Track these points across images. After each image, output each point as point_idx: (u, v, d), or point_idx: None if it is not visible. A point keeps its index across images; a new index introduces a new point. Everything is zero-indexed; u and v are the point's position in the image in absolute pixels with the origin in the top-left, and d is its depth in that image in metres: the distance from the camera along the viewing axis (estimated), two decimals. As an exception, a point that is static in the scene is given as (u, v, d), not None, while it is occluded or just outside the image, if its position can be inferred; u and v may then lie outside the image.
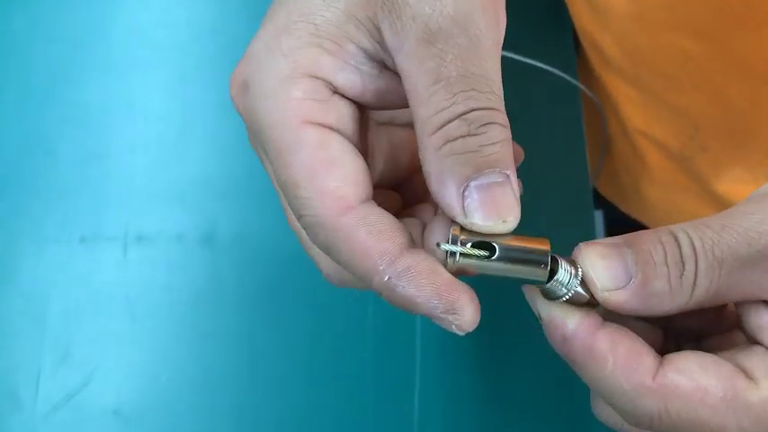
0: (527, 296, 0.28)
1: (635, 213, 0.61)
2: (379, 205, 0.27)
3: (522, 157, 0.32)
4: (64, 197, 0.46)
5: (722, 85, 0.45)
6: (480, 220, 0.25)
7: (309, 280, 0.45)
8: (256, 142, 0.28)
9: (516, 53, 0.49)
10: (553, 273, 0.26)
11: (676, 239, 0.26)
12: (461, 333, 0.26)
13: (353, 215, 0.26)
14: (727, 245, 0.25)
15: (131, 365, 0.43)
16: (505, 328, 0.44)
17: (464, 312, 0.25)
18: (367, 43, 0.27)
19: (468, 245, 0.25)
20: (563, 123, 0.53)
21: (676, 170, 0.53)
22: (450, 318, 0.25)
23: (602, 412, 0.29)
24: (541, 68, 0.50)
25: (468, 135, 0.25)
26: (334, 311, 0.44)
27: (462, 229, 0.26)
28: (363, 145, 0.29)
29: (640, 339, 0.26)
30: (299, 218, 0.26)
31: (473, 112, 0.25)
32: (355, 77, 0.27)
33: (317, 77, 0.26)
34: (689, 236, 0.26)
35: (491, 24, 0.26)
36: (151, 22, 0.50)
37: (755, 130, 0.46)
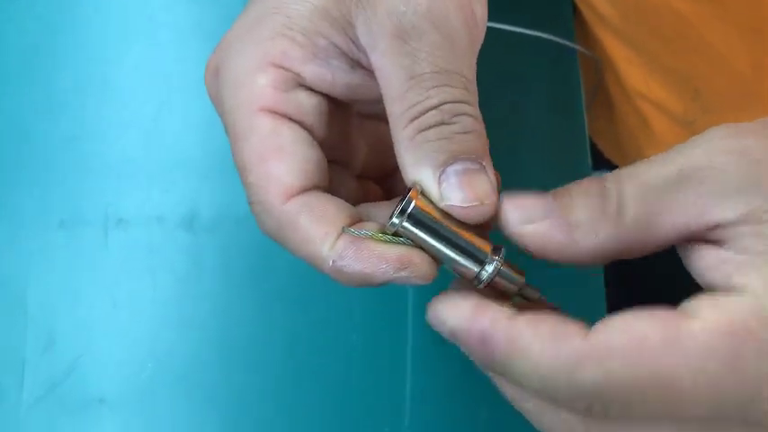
0: (429, 312, 0.27)
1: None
2: (353, 197, 0.28)
3: (499, 182, 0.30)
4: (41, 182, 0.45)
5: (721, 47, 0.43)
6: (458, 201, 0.25)
7: (294, 261, 0.44)
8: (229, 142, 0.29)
9: (514, 17, 0.47)
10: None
11: (602, 177, 0.25)
12: (425, 283, 0.26)
13: (296, 202, 0.26)
14: (652, 170, 0.24)
15: (115, 352, 0.42)
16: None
17: (414, 261, 0.26)
18: (339, 39, 0.27)
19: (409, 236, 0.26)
20: (561, 87, 0.51)
21: (680, 134, 0.51)
22: (405, 273, 0.26)
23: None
24: (538, 33, 0.49)
25: (443, 123, 0.25)
26: (320, 293, 0.43)
27: (421, 195, 0.26)
28: (334, 138, 0.29)
29: (561, 315, 0.24)
30: (250, 204, 0.27)
31: (446, 105, 0.25)
32: (325, 71, 0.27)
33: (283, 68, 0.27)
34: (615, 172, 0.25)
35: (466, 22, 0.26)
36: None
37: (758, 92, 0.44)
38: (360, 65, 0.28)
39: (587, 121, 0.51)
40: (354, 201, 0.28)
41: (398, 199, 0.27)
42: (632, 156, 0.58)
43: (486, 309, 0.25)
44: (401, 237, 0.26)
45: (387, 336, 0.43)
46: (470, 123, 0.25)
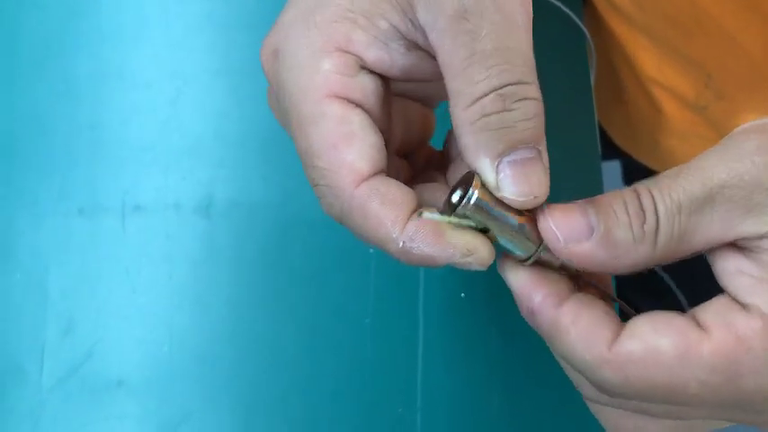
0: (499, 268, 0.29)
1: (653, 164, 0.59)
2: (394, 174, 0.29)
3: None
4: (60, 169, 0.45)
5: (733, 31, 0.43)
6: (512, 195, 0.26)
7: (308, 246, 0.44)
8: (280, 108, 0.29)
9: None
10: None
11: (636, 192, 0.26)
12: (483, 269, 0.27)
13: (367, 187, 0.27)
14: (681, 187, 0.26)
15: (133, 336, 0.43)
16: (509, 294, 0.43)
17: (478, 249, 0.27)
18: (399, 20, 0.27)
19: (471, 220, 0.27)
20: (570, 74, 0.51)
21: (693, 119, 0.51)
22: (470, 259, 0.27)
23: (580, 382, 0.29)
24: (548, 11, 0.49)
25: (504, 111, 0.26)
26: (334, 278, 0.44)
27: (483, 187, 0.27)
28: (386, 118, 0.30)
29: (604, 309, 0.27)
30: (315, 186, 0.28)
31: (508, 87, 0.26)
32: (384, 54, 0.28)
33: (347, 52, 0.28)
34: (647, 187, 0.26)
35: (522, 1, 0.27)
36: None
37: (771, 77, 0.44)
38: (416, 46, 0.28)
39: (596, 107, 0.51)
40: (395, 177, 0.29)
41: (456, 184, 0.28)
42: (644, 142, 0.58)
43: (540, 285, 0.27)
44: (463, 221, 0.27)
45: (399, 320, 0.44)
46: (532, 108, 0.26)
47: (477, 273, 0.43)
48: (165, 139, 0.46)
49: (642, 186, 0.26)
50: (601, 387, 0.27)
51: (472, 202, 0.26)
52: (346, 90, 0.27)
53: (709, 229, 0.26)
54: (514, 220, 0.27)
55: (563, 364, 0.29)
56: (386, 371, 0.43)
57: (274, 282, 0.44)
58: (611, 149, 0.62)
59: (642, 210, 0.26)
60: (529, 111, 0.26)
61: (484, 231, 0.27)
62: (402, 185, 0.28)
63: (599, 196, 0.27)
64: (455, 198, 0.27)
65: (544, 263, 0.28)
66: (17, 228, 0.44)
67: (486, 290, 0.44)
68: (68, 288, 0.43)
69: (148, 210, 0.45)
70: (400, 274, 0.44)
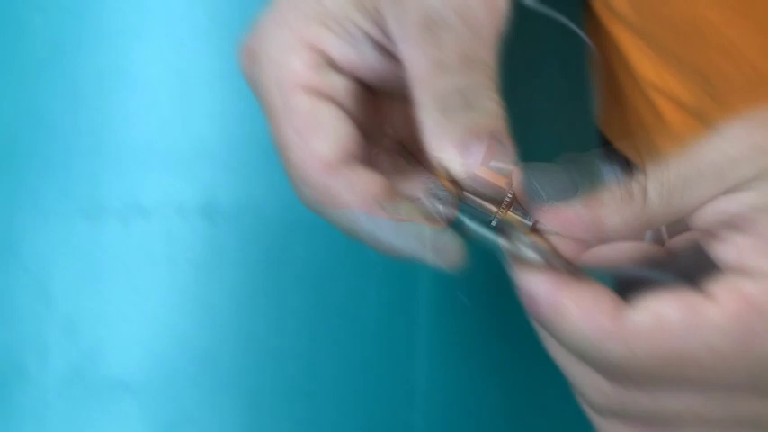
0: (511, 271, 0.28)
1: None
2: (392, 169, 0.30)
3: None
4: (63, 170, 0.45)
5: (732, 37, 0.44)
6: (479, 172, 0.27)
7: (311, 250, 0.45)
8: (267, 121, 0.31)
9: (521, 11, 0.47)
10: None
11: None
12: (449, 267, 0.28)
13: (333, 173, 0.28)
14: (670, 169, 0.25)
15: (136, 338, 0.43)
16: (510, 294, 0.44)
17: (446, 246, 0.28)
18: (370, 29, 0.29)
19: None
20: (570, 78, 0.51)
21: (692, 124, 0.52)
22: (430, 253, 0.28)
23: (583, 387, 0.28)
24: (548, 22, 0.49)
25: (467, 107, 0.27)
26: (336, 281, 0.44)
27: (453, 183, 0.27)
28: (364, 117, 0.30)
29: (605, 289, 0.26)
30: (290, 176, 0.29)
31: (470, 90, 0.27)
32: (355, 57, 0.29)
33: (317, 50, 0.29)
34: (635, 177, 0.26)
35: (490, 14, 0.27)
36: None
37: (770, 83, 0.44)
38: (389, 52, 0.29)
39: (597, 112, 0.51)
40: (388, 174, 0.30)
41: (424, 180, 0.29)
42: (643, 147, 0.58)
43: (543, 274, 0.27)
44: (432, 215, 0.28)
45: (400, 323, 0.44)
46: (494, 107, 0.27)
47: (478, 277, 0.44)
48: (168, 140, 0.46)
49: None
50: (606, 369, 0.26)
51: (437, 192, 0.27)
52: (315, 84, 0.29)
53: (700, 185, 0.25)
54: (490, 209, 0.27)
55: (565, 367, 0.29)
56: (387, 373, 0.43)
57: (277, 284, 0.44)
58: (609, 154, 0.62)
59: (629, 185, 0.26)
60: (490, 109, 0.27)
61: (457, 229, 0.28)
62: (373, 173, 0.29)
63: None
64: (425, 196, 0.28)
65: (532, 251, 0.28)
66: (20, 228, 0.44)
67: (488, 294, 0.45)
68: (71, 289, 0.43)
69: (151, 212, 0.45)
70: (402, 277, 0.45)
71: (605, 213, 0.26)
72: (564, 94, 0.51)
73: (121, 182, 0.45)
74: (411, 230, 0.27)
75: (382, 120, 0.33)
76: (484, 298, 0.44)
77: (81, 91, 0.47)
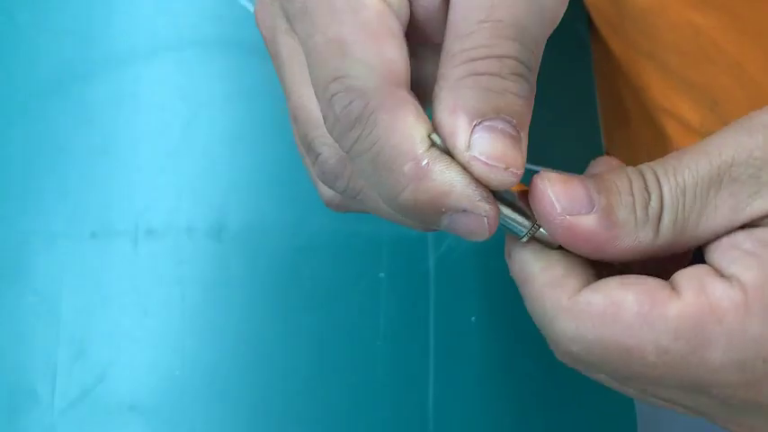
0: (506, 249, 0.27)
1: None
2: None
3: None
4: (73, 193, 0.46)
5: (737, 58, 0.44)
6: (484, 156, 0.23)
7: (319, 270, 0.45)
8: (276, 8, 0.27)
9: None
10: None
11: (641, 172, 0.24)
12: (481, 236, 0.24)
13: (404, 92, 0.24)
14: (686, 167, 0.24)
15: (145, 360, 0.43)
16: (520, 317, 0.44)
17: (492, 206, 0.24)
18: None
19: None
20: (576, 101, 0.52)
21: (697, 144, 0.52)
22: (488, 207, 0.23)
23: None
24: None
25: (499, 76, 0.23)
26: (345, 302, 0.44)
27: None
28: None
29: (582, 266, 0.25)
30: (335, 79, 0.24)
31: (511, 60, 0.23)
32: None
33: None
34: (652, 168, 0.24)
35: (557, 2, 0.25)
36: (150, 11, 0.50)
37: (776, 102, 0.44)
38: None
39: (603, 133, 0.52)
40: None
41: None
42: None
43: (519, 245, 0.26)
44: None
45: (409, 344, 0.44)
46: (526, 89, 0.24)
47: (487, 298, 0.44)
48: (177, 162, 0.47)
49: (647, 167, 0.25)
50: (556, 344, 0.25)
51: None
52: None
53: (715, 215, 0.24)
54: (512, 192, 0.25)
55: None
56: (397, 394, 0.43)
57: (286, 306, 0.44)
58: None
59: (647, 190, 0.24)
60: (524, 89, 0.24)
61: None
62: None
63: (601, 173, 0.25)
64: None
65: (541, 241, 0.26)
66: (30, 250, 0.45)
67: (497, 314, 0.44)
68: (81, 311, 0.43)
69: (160, 234, 0.45)
70: (410, 297, 0.45)
71: (619, 234, 0.24)
72: (571, 116, 0.51)
73: (131, 204, 0.46)
74: (466, 173, 0.23)
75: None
76: (494, 322, 0.44)
77: (92, 114, 0.48)
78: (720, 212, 0.24)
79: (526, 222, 0.25)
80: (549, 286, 0.24)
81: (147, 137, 0.47)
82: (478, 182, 0.23)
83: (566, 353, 0.25)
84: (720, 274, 0.23)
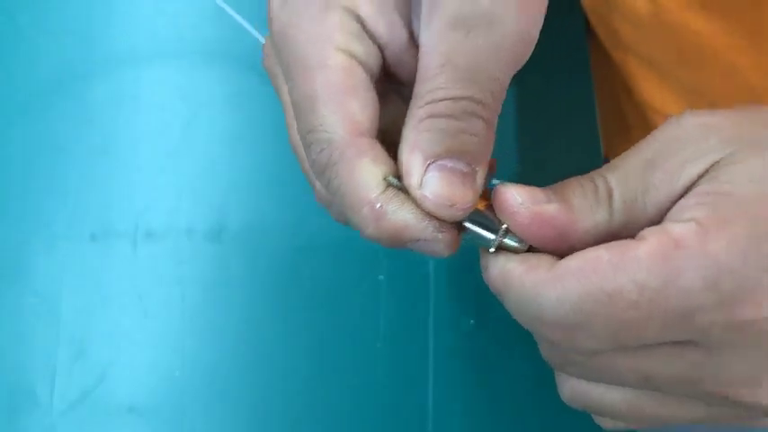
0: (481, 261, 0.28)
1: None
2: None
3: (494, 169, 0.32)
4: (73, 194, 0.46)
5: (734, 61, 0.44)
6: (431, 195, 0.26)
7: (319, 271, 0.45)
8: (274, 59, 0.30)
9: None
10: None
11: (589, 176, 0.27)
12: (444, 254, 0.27)
13: (364, 142, 0.27)
14: (625, 161, 0.26)
15: (145, 361, 0.43)
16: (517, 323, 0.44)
17: (448, 232, 0.27)
18: (404, 8, 0.28)
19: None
20: (575, 105, 0.52)
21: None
22: (439, 236, 0.27)
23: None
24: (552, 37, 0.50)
25: (452, 117, 0.26)
26: (345, 304, 0.44)
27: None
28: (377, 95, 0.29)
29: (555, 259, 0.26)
30: (309, 132, 0.27)
31: (465, 101, 0.26)
32: (384, 29, 0.28)
33: (353, 13, 0.28)
34: (598, 170, 0.27)
35: (519, 34, 0.27)
36: (150, 11, 0.50)
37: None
38: (413, 40, 0.28)
39: (602, 138, 0.52)
40: None
41: None
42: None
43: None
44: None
45: (409, 346, 0.44)
46: (480, 127, 0.26)
47: (486, 301, 0.44)
48: (177, 162, 0.47)
49: (593, 172, 0.27)
50: (541, 320, 0.26)
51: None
52: (350, 46, 0.28)
53: (657, 192, 0.26)
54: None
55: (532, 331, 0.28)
56: (396, 396, 0.43)
57: (285, 307, 0.44)
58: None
59: (593, 182, 0.26)
60: (476, 127, 0.26)
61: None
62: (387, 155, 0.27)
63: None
64: None
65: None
66: (30, 251, 0.44)
67: (496, 317, 0.45)
68: (80, 312, 0.43)
69: (160, 235, 0.45)
70: (410, 300, 0.45)
71: (578, 217, 0.26)
72: (569, 122, 0.51)
73: (131, 204, 0.46)
74: (418, 209, 0.26)
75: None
76: (493, 325, 0.44)
77: (92, 115, 0.48)
78: (661, 189, 0.26)
79: (491, 235, 0.27)
80: (527, 271, 0.26)
81: (147, 137, 0.47)
82: (431, 215, 0.26)
83: (557, 330, 0.25)
84: (675, 219, 0.25)
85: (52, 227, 0.45)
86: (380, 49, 0.29)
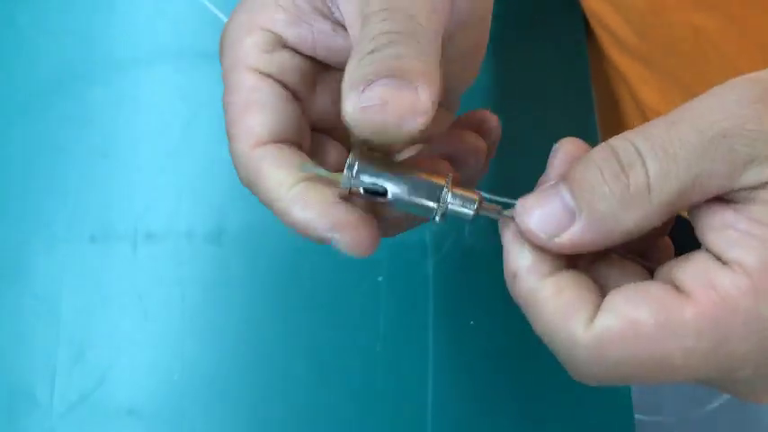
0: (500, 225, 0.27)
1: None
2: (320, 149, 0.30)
3: (497, 135, 0.32)
4: (73, 196, 0.46)
5: (736, 60, 0.44)
6: (367, 116, 0.25)
7: (319, 273, 0.45)
8: None
9: (526, 38, 0.48)
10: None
11: (613, 150, 0.24)
12: (352, 254, 0.27)
13: (262, 150, 0.28)
14: (677, 139, 0.23)
15: (144, 364, 0.43)
16: (518, 321, 0.44)
17: (345, 232, 0.26)
18: (319, 3, 0.29)
19: (361, 188, 0.27)
20: (574, 107, 0.52)
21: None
22: (334, 236, 0.27)
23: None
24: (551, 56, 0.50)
25: (374, 51, 0.25)
26: (345, 305, 0.44)
27: (369, 149, 0.27)
28: (310, 94, 0.30)
29: (590, 286, 0.25)
30: (231, 145, 0.29)
31: (383, 35, 0.25)
32: (307, 34, 0.29)
33: (269, 31, 0.29)
34: (630, 142, 0.24)
35: None
36: (151, 13, 0.50)
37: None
38: (342, 27, 0.29)
39: (600, 137, 0.52)
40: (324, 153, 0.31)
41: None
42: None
43: (534, 251, 0.25)
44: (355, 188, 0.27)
45: (409, 347, 0.44)
46: (403, 50, 0.25)
47: (486, 302, 0.44)
48: (177, 163, 0.47)
49: (620, 141, 0.24)
50: (576, 371, 0.25)
51: (350, 162, 0.27)
52: (262, 64, 0.29)
53: (710, 182, 0.23)
54: (408, 173, 0.27)
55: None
56: (396, 397, 0.43)
57: (286, 309, 0.44)
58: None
59: (623, 171, 0.24)
60: (399, 51, 0.25)
61: (383, 195, 0.27)
62: (302, 154, 0.28)
63: (573, 168, 0.25)
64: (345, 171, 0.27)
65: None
66: (30, 253, 0.44)
67: (496, 318, 0.45)
68: (80, 314, 0.43)
69: (160, 237, 0.45)
70: (409, 301, 0.45)
71: (608, 227, 0.24)
72: (568, 121, 0.51)
73: (131, 206, 0.46)
74: (317, 207, 0.27)
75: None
76: (493, 326, 0.44)
77: (92, 116, 0.48)
78: (715, 179, 0.23)
79: (431, 204, 0.27)
80: (561, 317, 0.24)
81: (147, 138, 0.47)
82: (338, 210, 0.27)
83: (586, 376, 0.25)
84: (721, 261, 0.23)
85: (52, 227, 0.45)
86: (303, 54, 0.30)
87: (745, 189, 0.23)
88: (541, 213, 0.25)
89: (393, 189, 0.27)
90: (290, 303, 0.44)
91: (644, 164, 0.23)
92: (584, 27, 0.55)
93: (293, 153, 0.28)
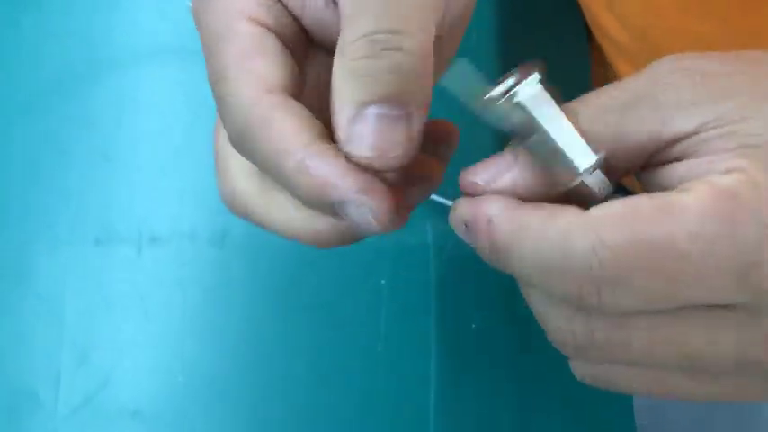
0: (451, 213, 0.27)
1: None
2: None
3: (455, 137, 0.29)
4: (76, 198, 0.46)
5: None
6: (358, 151, 0.23)
7: (321, 275, 0.45)
8: (204, 52, 0.28)
9: (527, 45, 0.48)
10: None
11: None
12: (378, 228, 0.24)
13: (273, 97, 0.25)
14: (605, 94, 0.25)
15: (148, 366, 0.43)
16: (521, 325, 0.44)
17: (375, 195, 0.24)
18: None
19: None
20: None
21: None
22: (366, 199, 0.24)
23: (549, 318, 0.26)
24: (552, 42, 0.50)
25: (370, 57, 0.23)
26: (347, 308, 0.44)
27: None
28: (300, 65, 0.28)
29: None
30: (220, 102, 0.26)
31: (379, 34, 0.23)
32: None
33: None
34: (566, 105, 0.25)
35: None
36: (152, 14, 0.50)
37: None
38: (333, 2, 0.27)
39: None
40: None
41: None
42: None
43: (497, 198, 0.25)
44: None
45: (411, 351, 0.44)
46: (399, 60, 0.23)
47: (489, 304, 0.44)
48: (180, 167, 0.47)
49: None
50: (568, 273, 0.22)
51: (517, 98, 0.24)
52: (261, 15, 0.26)
53: (642, 125, 0.24)
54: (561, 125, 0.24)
55: (538, 311, 0.26)
56: (398, 400, 0.43)
57: (288, 312, 0.44)
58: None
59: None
60: (396, 62, 0.23)
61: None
62: (309, 112, 0.25)
63: None
64: (497, 90, 0.25)
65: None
66: (33, 255, 0.44)
67: (498, 322, 0.45)
68: (84, 316, 0.43)
69: (164, 240, 0.45)
70: (412, 304, 0.45)
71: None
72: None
73: (134, 209, 0.46)
74: (344, 166, 0.24)
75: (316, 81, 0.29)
76: (496, 329, 0.45)
77: (94, 117, 0.47)
78: (647, 123, 0.24)
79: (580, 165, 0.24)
80: (549, 218, 0.23)
81: (150, 139, 0.47)
82: (366, 174, 0.24)
83: (587, 286, 0.22)
84: (713, 172, 0.23)
85: (55, 230, 0.45)
86: (296, 18, 0.27)
87: (685, 136, 0.23)
88: (478, 167, 0.25)
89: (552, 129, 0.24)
90: (292, 306, 0.44)
91: (577, 114, 0.25)
92: (585, 29, 0.55)
93: (303, 107, 0.25)
